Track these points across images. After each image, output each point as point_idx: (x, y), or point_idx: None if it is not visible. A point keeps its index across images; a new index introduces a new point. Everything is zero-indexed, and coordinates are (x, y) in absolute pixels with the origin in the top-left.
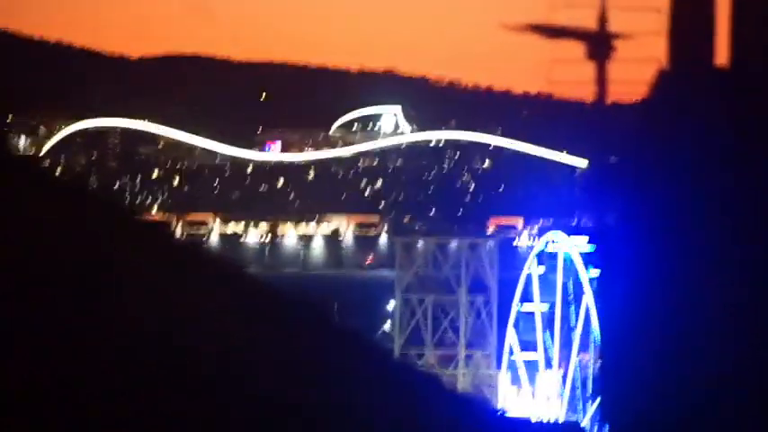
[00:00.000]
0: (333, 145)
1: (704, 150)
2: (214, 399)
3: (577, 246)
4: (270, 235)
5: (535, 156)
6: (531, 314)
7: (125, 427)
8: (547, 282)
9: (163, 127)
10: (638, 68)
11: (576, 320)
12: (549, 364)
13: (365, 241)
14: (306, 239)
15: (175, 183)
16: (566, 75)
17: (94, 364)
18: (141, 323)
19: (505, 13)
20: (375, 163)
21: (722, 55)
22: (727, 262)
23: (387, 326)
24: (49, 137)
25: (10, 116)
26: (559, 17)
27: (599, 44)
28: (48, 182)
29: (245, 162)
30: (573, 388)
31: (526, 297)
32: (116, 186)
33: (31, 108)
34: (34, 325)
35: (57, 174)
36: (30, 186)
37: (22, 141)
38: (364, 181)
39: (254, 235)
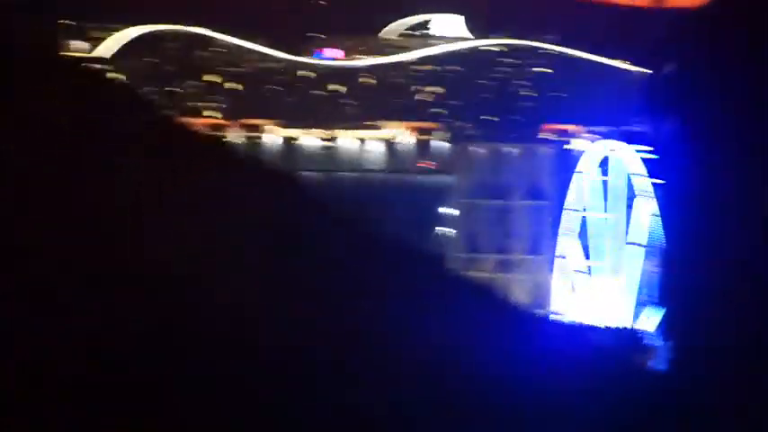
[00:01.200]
0: (390, 51)
1: (763, 60)
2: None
3: (637, 153)
4: (326, 140)
5: (594, 62)
6: (593, 220)
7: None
8: (607, 189)
9: (219, 33)
10: None
11: (635, 227)
12: (606, 271)
13: (422, 147)
14: (362, 145)
15: (231, 87)
16: None
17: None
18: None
19: None
20: (433, 69)
21: None
22: None
23: (443, 231)
24: (101, 42)
25: (68, 21)
26: None
27: None
28: (105, 83)
29: (301, 67)
30: (633, 295)
31: (586, 204)
32: (172, 90)
33: (90, 12)
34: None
35: (114, 76)
36: (87, 86)
37: (81, 45)
38: (422, 87)
39: (310, 140)
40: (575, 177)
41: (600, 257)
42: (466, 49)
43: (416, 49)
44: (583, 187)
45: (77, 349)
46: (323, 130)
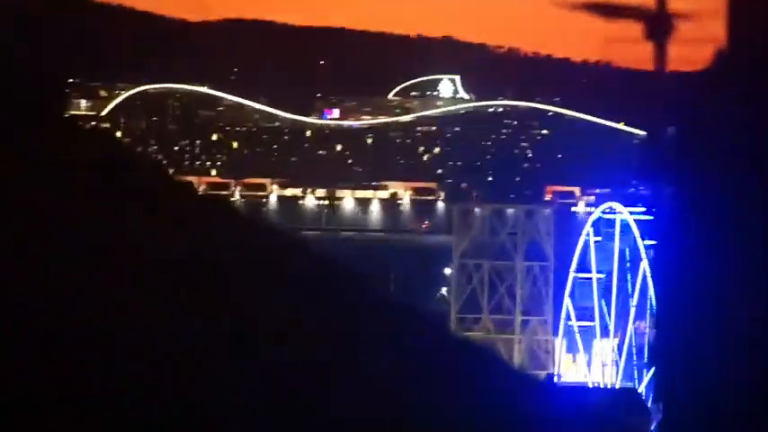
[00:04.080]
0: (391, 111)
1: (764, 127)
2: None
3: (634, 214)
4: (328, 200)
5: (593, 124)
6: (589, 281)
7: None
8: (604, 250)
9: (222, 92)
10: (697, 49)
11: (633, 289)
12: (605, 332)
13: (422, 207)
14: (364, 204)
15: (234, 146)
16: (622, 53)
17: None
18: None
19: None
20: (433, 129)
21: None
22: None
23: (444, 291)
24: (109, 100)
25: (71, 79)
26: None
27: (657, 23)
28: (108, 143)
29: (304, 127)
30: (629, 355)
31: (583, 265)
32: (176, 149)
33: (93, 71)
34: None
35: (117, 135)
36: (90, 146)
37: (83, 104)
38: (422, 147)
39: (312, 199)
40: (580, 240)
41: (603, 319)
42: (467, 111)
43: (419, 110)
44: (587, 249)
45: None
46: (326, 190)
